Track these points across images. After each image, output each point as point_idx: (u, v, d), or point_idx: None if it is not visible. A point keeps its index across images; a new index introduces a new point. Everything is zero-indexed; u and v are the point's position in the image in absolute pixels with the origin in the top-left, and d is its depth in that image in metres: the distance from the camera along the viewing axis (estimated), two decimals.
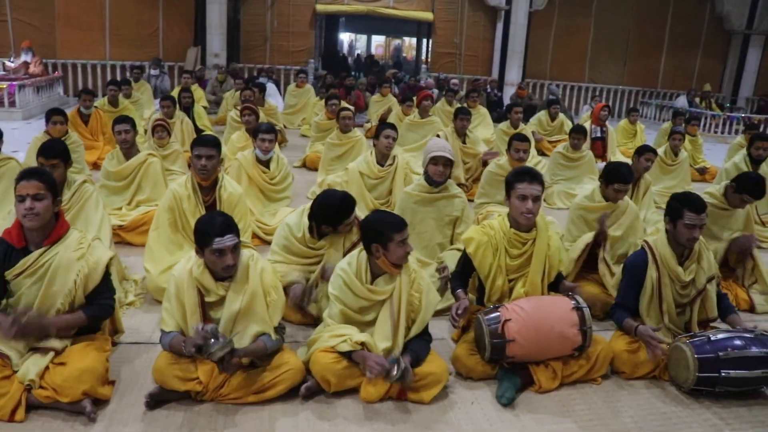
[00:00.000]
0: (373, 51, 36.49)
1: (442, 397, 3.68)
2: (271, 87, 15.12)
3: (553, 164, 8.79)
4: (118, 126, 6.38)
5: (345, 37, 36.69)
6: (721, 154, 10.60)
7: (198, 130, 9.79)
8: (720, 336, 3.85)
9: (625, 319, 4.16)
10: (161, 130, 7.59)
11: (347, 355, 3.57)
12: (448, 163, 5.04)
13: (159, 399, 3.44)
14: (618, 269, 4.68)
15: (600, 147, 10.73)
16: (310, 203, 4.59)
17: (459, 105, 11.34)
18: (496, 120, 13.10)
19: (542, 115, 12.52)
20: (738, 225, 5.50)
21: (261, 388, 3.52)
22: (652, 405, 3.78)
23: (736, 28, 20.33)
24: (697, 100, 18.35)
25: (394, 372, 3.43)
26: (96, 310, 3.55)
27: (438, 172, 5.03)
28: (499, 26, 19.41)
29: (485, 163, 8.42)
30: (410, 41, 33.38)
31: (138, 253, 5.33)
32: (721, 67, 21.22)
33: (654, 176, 8.06)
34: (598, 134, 10.92)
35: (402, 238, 3.58)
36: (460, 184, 7.91)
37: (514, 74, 19.01)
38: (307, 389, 3.58)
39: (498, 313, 3.77)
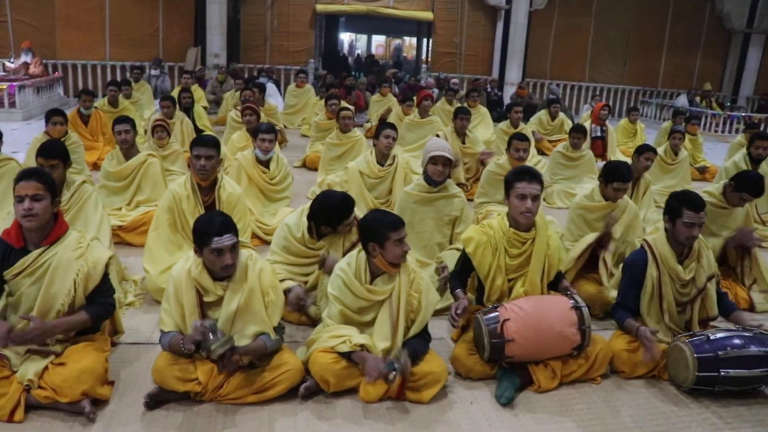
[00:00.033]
0: (373, 51, 36.50)
1: (441, 396, 3.68)
2: (271, 87, 15.13)
3: (552, 163, 8.79)
4: (118, 126, 6.38)
5: (345, 37, 36.70)
6: (722, 153, 10.60)
7: (198, 131, 9.78)
8: (719, 335, 3.84)
9: (626, 320, 4.16)
10: (161, 130, 7.59)
11: (346, 356, 3.57)
12: (447, 162, 5.04)
13: (158, 399, 3.44)
14: (617, 270, 4.69)
15: (600, 146, 10.73)
16: (309, 203, 4.58)
17: (459, 104, 11.34)
18: (496, 119, 13.10)
19: (542, 114, 12.54)
20: (737, 224, 5.50)
21: (260, 388, 3.52)
22: (651, 404, 3.78)
23: (736, 28, 20.32)
24: (698, 99, 18.34)
25: (391, 377, 3.44)
26: (98, 309, 3.55)
27: (437, 171, 5.03)
28: (499, 26, 19.41)
29: (483, 163, 8.43)
30: (411, 41, 33.38)
31: (137, 254, 5.33)
32: (722, 66, 21.22)
33: (654, 175, 8.07)
34: (598, 133, 10.92)
35: (398, 237, 3.58)
36: (459, 184, 7.93)
37: (514, 74, 19.01)
38: (306, 389, 3.58)
39: (497, 313, 3.77)
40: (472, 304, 4.28)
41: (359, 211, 4.56)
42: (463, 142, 8.68)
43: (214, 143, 4.85)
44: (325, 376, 3.53)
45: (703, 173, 10.51)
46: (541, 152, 10.96)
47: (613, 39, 20.28)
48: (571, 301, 3.86)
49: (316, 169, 8.65)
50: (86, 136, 9.19)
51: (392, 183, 6.48)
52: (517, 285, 4.02)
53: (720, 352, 3.72)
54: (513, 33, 18.87)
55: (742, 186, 5.26)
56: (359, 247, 3.83)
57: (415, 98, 11.82)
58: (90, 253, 3.51)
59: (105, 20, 17.34)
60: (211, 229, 3.37)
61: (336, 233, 4.49)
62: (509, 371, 3.81)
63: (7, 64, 15.06)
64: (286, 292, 4.22)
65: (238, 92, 12.12)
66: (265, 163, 6.65)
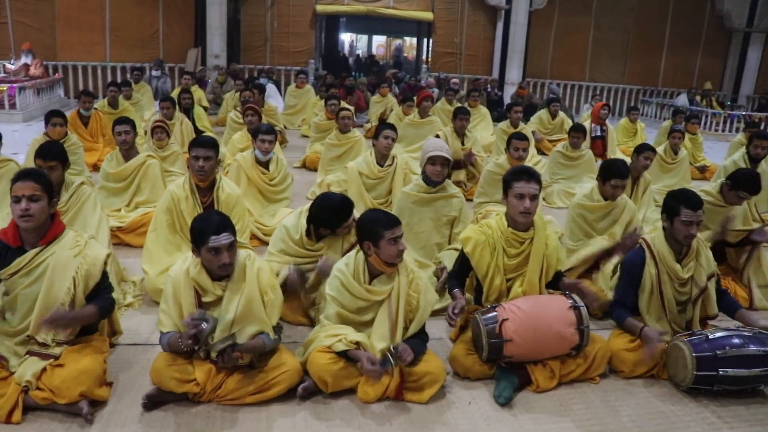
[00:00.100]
0: (374, 51, 36.50)
1: (439, 397, 3.68)
2: (271, 87, 15.15)
3: (552, 163, 8.79)
4: (119, 127, 6.40)
5: (346, 38, 36.72)
6: (722, 153, 10.59)
7: (198, 132, 9.80)
8: (718, 334, 3.84)
9: (626, 318, 4.16)
10: (160, 131, 7.59)
11: (344, 355, 3.57)
12: (446, 162, 5.04)
13: (156, 400, 3.44)
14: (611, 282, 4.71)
15: (600, 146, 10.74)
16: (307, 205, 4.58)
17: (459, 105, 11.34)
18: (497, 119, 13.12)
19: (543, 113, 12.57)
20: (736, 222, 5.47)
21: (258, 389, 3.52)
22: (650, 404, 3.78)
23: (736, 27, 20.31)
24: (698, 98, 18.34)
25: (389, 369, 3.46)
26: (104, 303, 3.54)
27: (436, 172, 5.03)
28: (500, 25, 19.41)
29: (470, 164, 8.45)
30: (411, 41, 33.36)
31: (137, 255, 5.32)
32: (722, 65, 21.20)
33: (654, 175, 8.06)
34: (598, 133, 10.92)
35: (393, 236, 3.58)
36: (456, 182, 7.93)
37: (514, 73, 19.01)
38: (304, 390, 3.57)
39: (495, 313, 3.76)
40: (471, 304, 4.28)
41: (358, 213, 4.56)
42: (463, 143, 8.68)
43: (212, 144, 4.86)
44: (323, 377, 3.53)
45: (703, 172, 10.51)
46: (541, 152, 10.96)
47: (614, 38, 20.28)
48: (570, 301, 3.85)
49: (315, 170, 8.65)
50: (86, 137, 9.21)
51: (392, 183, 6.48)
52: (516, 285, 4.02)
53: (719, 352, 3.71)
54: (513, 33, 18.87)
55: (739, 184, 5.25)
56: (358, 247, 3.83)
57: (415, 98, 11.82)
58: (88, 251, 3.51)
59: (105, 21, 17.36)
60: (209, 228, 3.37)
61: (335, 235, 4.49)
62: (508, 371, 3.81)
63: (8, 65, 15.09)
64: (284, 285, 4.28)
65: (238, 93, 12.13)
66: (265, 164, 6.64)
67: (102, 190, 6.35)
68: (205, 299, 3.54)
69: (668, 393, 3.90)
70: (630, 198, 5.85)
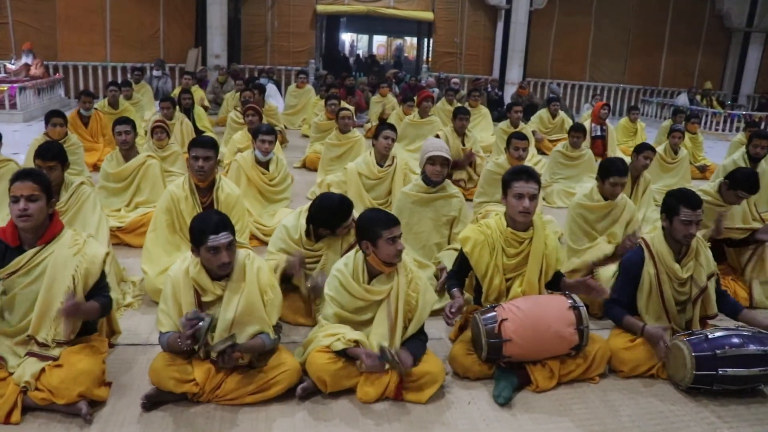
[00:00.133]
0: (374, 51, 36.52)
1: (438, 397, 3.68)
2: (271, 87, 15.15)
3: (552, 163, 8.79)
4: (119, 127, 6.41)
5: (347, 38, 36.73)
6: (722, 152, 10.59)
7: (198, 132, 9.80)
8: (718, 334, 3.83)
9: (624, 317, 4.17)
10: (160, 131, 7.59)
11: (343, 354, 3.58)
12: (445, 162, 5.05)
13: (155, 400, 3.44)
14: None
15: (600, 145, 10.72)
16: (307, 205, 4.59)
17: (459, 104, 11.34)
18: (497, 119, 13.11)
19: (543, 112, 12.60)
20: (735, 222, 5.47)
21: (258, 388, 3.52)
22: (649, 403, 3.77)
23: (736, 26, 20.30)
24: (698, 97, 18.34)
25: (389, 356, 3.46)
26: (103, 300, 3.53)
27: (435, 172, 5.03)
28: (500, 25, 19.41)
29: (471, 164, 8.45)
30: (412, 41, 33.35)
31: (136, 255, 5.32)
32: (722, 64, 21.19)
33: (654, 174, 8.06)
34: (598, 133, 10.91)
35: (391, 236, 3.57)
36: (455, 182, 7.93)
37: (514, 73, 19.00)
38: (304, 390, 3.57)
39: (494, 313, 3.76)
40: (470, 304, 4.29)
41: (358, 213, 4.56)
42: (463, 143, 8.68)
43: (212, 144, 4.86)
44: (322, 377, 3.53)
45: (703, 172, 10.51)
46: (541, 152, 10.97)
47: (614, 38, 20.27)
48: (569, 301, 3.85)
49: (315, 170, 8.64)
50: (86, 137, 9.21)
51: (392, 183, 6.47)
52: (515, 285, 4.01)
53: (718, 351, 3.71)
54: (513, 32, 18.86)
55: (737, 183, 5.25)
56: (357, 247, 3.83)
57: (415, 98, 11.82)
58: (87, 249, 3.51)
59: (106, 21, 17.37)
60: (207, 228, 3.38)
61: (334, 235, 4.49)
62: (507, 371, 3.80)
63: (8, 65, 15.10)
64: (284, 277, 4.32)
65: (239, 93, 12.14)
66: (265, 165, 6.64)
67: (102, 190, 6.35)
68: (204, 299, 3.54)
69: (668, 393, 3.89)
70: (630, 197, 5.85)
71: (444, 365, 3.82)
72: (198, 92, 13.27)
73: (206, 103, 13.28)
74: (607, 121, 11.07)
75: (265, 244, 5.79)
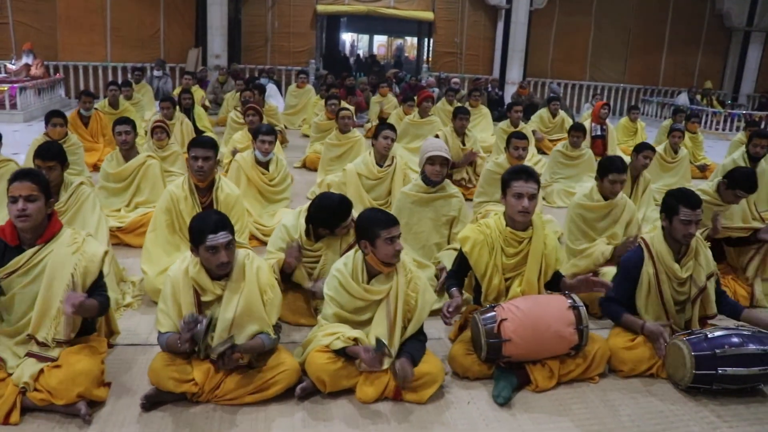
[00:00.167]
0: (375, 51, 36.52)
1: (438, 397, 3.68)
2: (272, 87, 15.15)
3: (552, 162, 8.79)
4: (119, 127, 6.41)
5: (347, 37, 36.73)
6: (723, 151, 10.59)
7: (198, 132, 9.80)
8: (717, 333, 3.83)
9: (623, 314, 4.17)
10: (160, 131, 7.59)
11: (342, 354, 3.58)
12: (445, 162, 5.04)
13: (155, 401, 3.44)
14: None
15: (600, 145, 10.71)
16: (307, 204, 4.59)
17: (459, 104, 11.34)
18: (497, 119, 13.12)
19: (543, 112, 12.61)
20: (735, 221, 5.47)
21: (257, 388, 3.52)
22: (649, 403, 3.77)
23: (736, 26, 20.30)
24: (699, 97, 18.34)
25: (387, 351, 3.46)
26: (101, 299, 3.52)
27: (435, 172, 5.03)
28: (500, 25, 19.42)
29: (471, 163, 8.45)
30: (412, 41, 33.36)
31: (136, 255, 5.31)
32: (722, 64, 21.19)
33: (654, 174, 8.06)
34: (599, 132, 10.90)
35: (389, 236, 3.57)
36: (457, 181, 7.94)
37: (515, 73, 19.00)
38: (303, 390, 3.57)
39: (494, 313, 3.76)
40: (470, 304, 4.29)
41: (357, 213, 4.56)
42: (463, 143, 8.67)
43: (211, 144, 4.86)
44: (321, 377, 3.53)
45: (703, 171, 10.50)
46: (541, 151, 10.97)
47: (614, 38, 20.27)
48: (569, 301, 3.84)
49: (316, 170, 8.64)
50: (86, 137, 9.21)
51: (391, 184, 6.45)
52: (514, 284, 4.01)
53: (718, 350, 3.70)
54: (513, 32, 18.86)
55: (736, 183, 5.24)
56: (357, 247, 3.83)
57: (416, 98, 11.81)
58: (86, 247, 3.51)
59: (106, 21, 17.38)
60: (206, 227, 3.38)
61: (333, 235, 4.49)
62: (506, 371, 3.80)
63: (9, 65, 15.11)
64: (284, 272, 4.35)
65: (239, 93, 12.14)
66: (265, 165, 6.63)
67: (102, 190, 6.35)
68: (204, 298, 3.54)
69: (667, 392, 3.89)
70: (630, 197, 5.85)
71: (443, 365, 3.82)
72: (198, 92, 13.28)
73: (206, 103, 13.28)
74: (607, 120, 11.06)
75: (265, 244, 5.79)
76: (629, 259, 4.23)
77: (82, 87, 16.67)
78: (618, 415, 3.64)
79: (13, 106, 13.33)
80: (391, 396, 3.61)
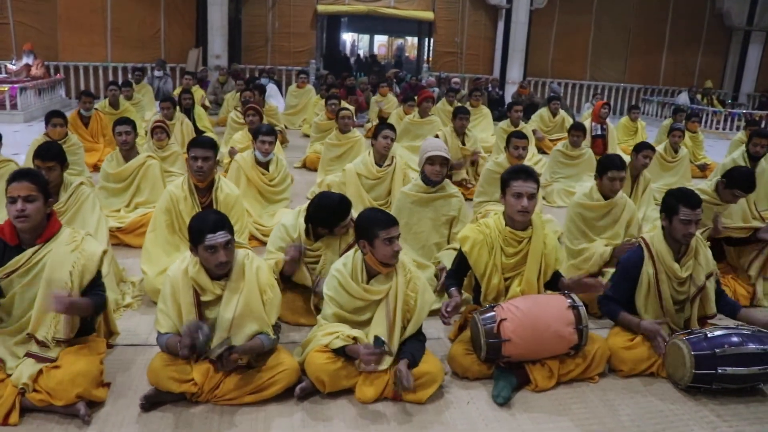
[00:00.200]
0: (375, 51, 36.53)
1: (437, 397, 3.68)
2: (272, 87, 15.15)
3: (552, 162, 8.79)
4: (119, 127, 6.41)
5: (348, 37, 36.73)
6: (723, 151, 10.58)
7: (198, 132, 9.80)
8: (717, 333, 3.83)
9: (621, 313, 4.17)
10: (160, 131, 7.59)
11: (341, 354, 3.58)
12: (445, 162, 5.04)
13: (154, 401, 3.44)
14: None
15: (600, 145, 10.69)
16: (306, 204, 4.58)
17: (459, 104, 11.33)
18: (498, 118, 13.11)
19: (543, 111, 12.61)
20: (734, 221, 5.46)
21: (256, 388, 3.52)
22: (649, 403, 3.77)
23: (736, 25, 20.28)
24: (699, 96, 18.33)
25: (387, 348, 3.45)
26: (96, 299, 3.51)
27: (435, 171, 5.02)
28: (500, 25, 19.41)
29: (473, 163, 8.44)
30: (413, 41, 33.35)
31: (136, 255, 5.32)
32: (722, 63, 21.17)
33: (654, 173, 8.06)
34: (599, 132, 10.88)
35: (388, 236, 3.57)
36: (458, 182, 7.93)
37: (515, 73, 18.99)
38: (302, 390, 3.57)
39: (493, 313, 3.76)
40: (470, 304, 4.28)
41: (357, 213, 4.56)
42: (463, 142, 8.67)
43: (211, 144, 4.86)
44: (321, 377, 3.53)
45: (703, 171, 10.50)
46: (542, 151, 10.97)
47: (614, 37, 20.26)
48: (568, 301, 3.84)
49: (316, 170, 8.64)
50: (86, 137, 9.22)
51: (391, 184, 6.45)
52: (514, 284, 4.01)
53: (718, 350, 3.70)
54: (514, 32, 18.84)
55: (734, 182, 5.24)
56: (356, 247, 3.83)
57: (416, 98, 11.81)
58: (85, 246, 3.51)
59: (106, 22, 17.38)
60: (205, 227, 3.39)
61: (333, 235, 4.49)
62: (506, 371, 3.80)
63: (9, 66, 15.12)
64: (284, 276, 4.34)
65: (239, 93, 12.14)
66: (265, 165, 6.63)
67: (102, 190, 6.36)
68: (204, 298, 3.53)
69: (667, 392, 3.89)
70: (630, 197, 5.84)
71: (443, 365, 3.82)
72: (198, 92, 13.28)
73: (207, 104, 13.29)
74: (608, 120, 11.04)
75: (265, 244, 5.79)
76: (629, 258, 4.23)
77: (82, 87, 16.65)
78: (618, 414, 3.64)
79: (14, 106, 13.35)
80: (391, 396, 3.61)
